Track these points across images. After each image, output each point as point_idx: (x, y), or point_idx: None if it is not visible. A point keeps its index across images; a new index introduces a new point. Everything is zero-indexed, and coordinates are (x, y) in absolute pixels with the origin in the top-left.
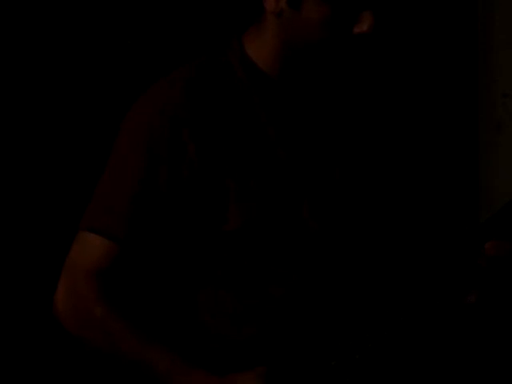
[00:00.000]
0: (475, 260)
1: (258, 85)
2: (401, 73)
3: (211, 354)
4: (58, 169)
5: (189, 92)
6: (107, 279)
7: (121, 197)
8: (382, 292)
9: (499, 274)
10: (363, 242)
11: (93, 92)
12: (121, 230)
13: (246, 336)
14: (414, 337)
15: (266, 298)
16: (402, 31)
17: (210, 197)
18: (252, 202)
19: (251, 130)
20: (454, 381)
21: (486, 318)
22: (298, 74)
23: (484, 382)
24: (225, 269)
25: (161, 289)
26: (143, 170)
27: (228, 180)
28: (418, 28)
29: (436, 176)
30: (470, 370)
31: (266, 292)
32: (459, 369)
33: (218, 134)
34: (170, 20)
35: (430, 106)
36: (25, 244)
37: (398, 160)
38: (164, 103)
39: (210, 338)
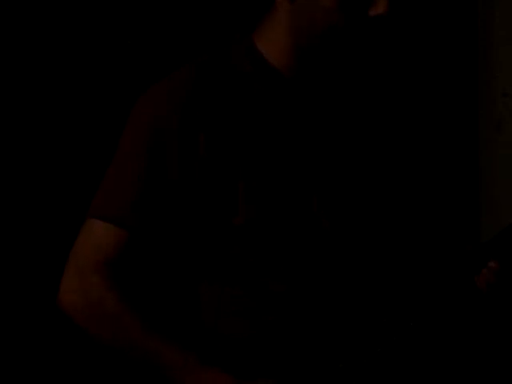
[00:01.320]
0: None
1: (266, 81)
2: (400, 71)
3: (215, 352)
4: (61, 165)
5: (195, 89)
6: (116, 269)
7: (128, 185)
8: (391, 295)
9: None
10: (371, 239)
11: (93, 92)
12: (128, 217)
13: (251, 334)
14: (423, 343)
15: (273, 296)
16: (401, 29)
17: (219, 192)
18: (261, 197)
19: (259, 126)
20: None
21: (492, 323)
22: (309, 70)
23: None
24: (232, 266)
25: (165, 286)
26: (148, 163)
27: (238, 176)
28: (417, 25)
29: (436, 175)
30: (477, 374)
31: (273, 290)
32: (466, 374)
33: (227, 130)
34: (170, 20)
35: (430, 104)
36: (28, 236)
37: (400, 158)
38: (171, 101)
39: (215, 336)
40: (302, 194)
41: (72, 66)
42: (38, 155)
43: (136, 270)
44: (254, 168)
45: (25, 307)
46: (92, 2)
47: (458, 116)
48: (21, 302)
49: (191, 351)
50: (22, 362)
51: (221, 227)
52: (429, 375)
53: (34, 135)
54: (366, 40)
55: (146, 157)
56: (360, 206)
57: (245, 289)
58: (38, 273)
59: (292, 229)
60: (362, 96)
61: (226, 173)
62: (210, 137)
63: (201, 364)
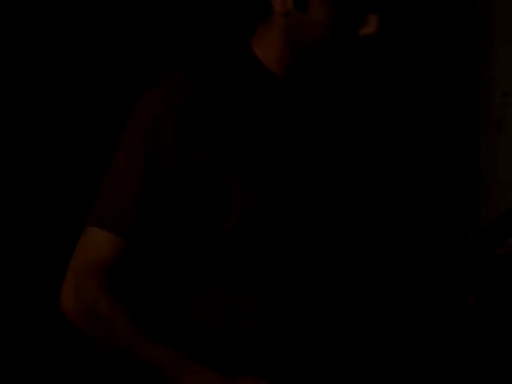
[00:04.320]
0: (481, 262)
1: (262, 84)
2: (400, 71)
3: (210, 353)
4: (60, 168)
5: (191, 91)
6: (113, 276)
7: (126, 192)
8: (384, 292)
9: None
10: (364, 241)
11: (93, 92)
12: (127, 225)
13: (245, 335)
14: (417, 338)
15: (268, 297)
16: (401, 29)
17: (213, 194)
18: (253, 199)
19: (254, 128)
20: (454, 381)
21: (487, 318)
22: (304, 75)
23: (484, 382)
24: (226, 268)
25: (161, 288)
26: (146, 169)
27: (231, 177)
28: (417, 25)
29: (436, 175)
30: (471, 371)
31: (267, 291)
32: (460, 370)
33: (222, 132)
34: (169, 20)
35: (431, 105)
36: (29, 242)
37: (398, 159)
38: (168, 101)
39: (209, 336)
40: (294, 197)
41: (72, 66)
42: (37, 157)
43: (132, 274)
44: (247, 170)
45: (28, 311)
46: (92, 2)
47: (458, 116)
48: (24, 306)
49: (182, 350)
50: (23, 363)
51: (214, 230)
52: (423, 371)
53: (33, 136)
54: (355, 54)
55: (144, 163)
56: (354, 209)
57: (240, 290)
58: (42, 276)
59: (284, 232)
60: (359, 99)
61: (219, 175)
62: (205, 139)
63: (192, 363)
